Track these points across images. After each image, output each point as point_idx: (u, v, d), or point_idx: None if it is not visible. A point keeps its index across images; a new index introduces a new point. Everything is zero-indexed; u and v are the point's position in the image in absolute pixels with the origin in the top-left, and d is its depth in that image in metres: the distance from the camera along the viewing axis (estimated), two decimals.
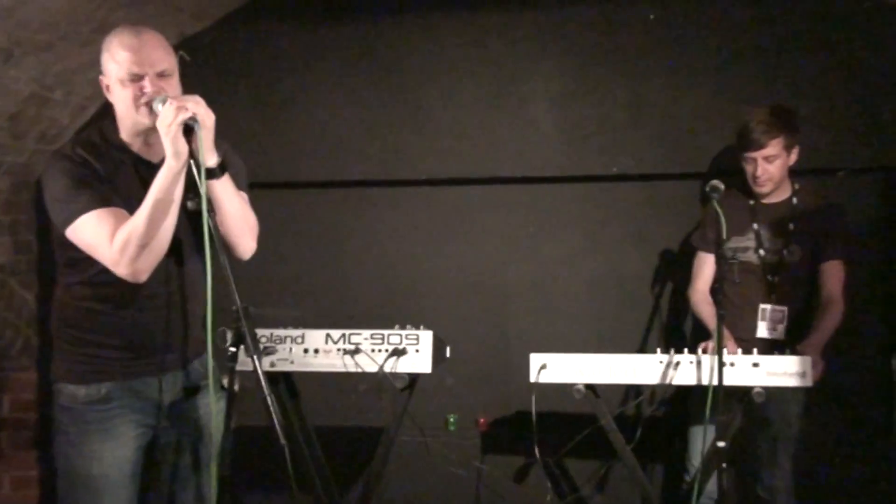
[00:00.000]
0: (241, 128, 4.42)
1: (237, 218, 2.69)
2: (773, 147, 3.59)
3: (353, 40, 4.50)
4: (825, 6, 4.11)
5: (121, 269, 2.53)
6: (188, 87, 2.71)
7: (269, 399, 2.33)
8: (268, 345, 3.42)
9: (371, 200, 4.58)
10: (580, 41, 4.33)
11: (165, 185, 2.48)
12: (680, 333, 4.28)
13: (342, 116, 4.52)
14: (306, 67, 4.54)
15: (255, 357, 2.38)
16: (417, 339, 3.40)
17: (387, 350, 3.40)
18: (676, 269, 4.24)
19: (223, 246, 2.47)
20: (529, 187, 4.45)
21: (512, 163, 4.41)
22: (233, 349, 2.47)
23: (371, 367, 3.39)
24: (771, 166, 3.62)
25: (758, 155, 3.61)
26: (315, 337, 3.46)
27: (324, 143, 4.53)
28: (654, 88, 4.27)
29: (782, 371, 3.21)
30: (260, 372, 2.37)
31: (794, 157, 3.67)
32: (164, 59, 2.63)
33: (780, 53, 4.15)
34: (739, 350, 3.28)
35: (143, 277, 2.56)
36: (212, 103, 2.58)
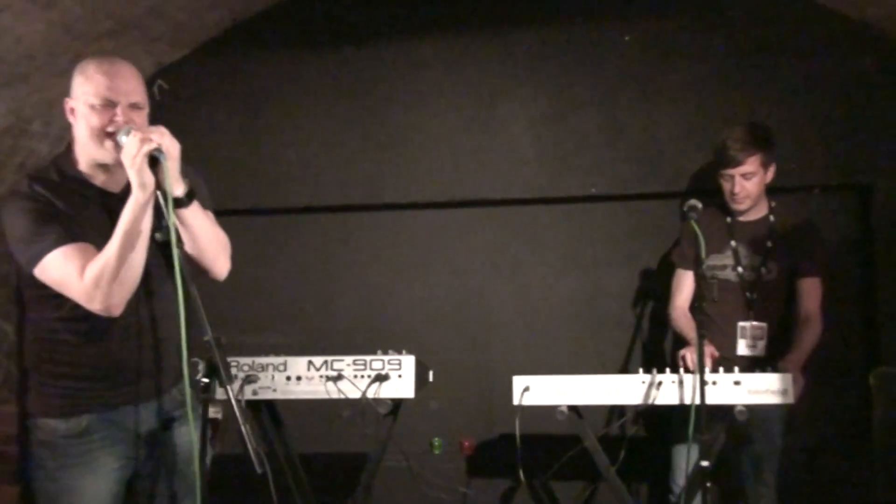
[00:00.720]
0: (220, 155, 4.43)
1: (210, 241, 2.69)
2: (751, 164, 3.62)
3: (331, 66, 4.52)
4: (799, 27, 4.16)
5: (95, 305, 2.50)
6: (166, 116, 2.71)
7: (243, 429, 2.29)
8: (250, 373, 3.41)
9: (350, 225, 4.60)
10: (557, 63, 4.36)
11: (133, 218, 2.46)
12: (662, 352, 4.30)
13: (321, 142, 4.54)
14: (284, 93, 4.55)
15: (227, 388, 2.34)
16: (400, 364, 3.40)
17: (369, 376, 3.40)
18: (657, 288, 4.26)
19: (192, 274, 2.44)
20: (509, 209, 4.47)
21: (491, 185, 4.43)
22: (205, 380, 2.43)
23: (354, 394, 3.38)
24: (748, 183, 3.65)
25: (735, 172, 3.64)
26: (297, 364, 3.44)
27: (303, 168, 4.54)
28: (631, 109, 4.31)
29: (764, 389, 3.23)
30: (233, 402, 2.33)
31: (770, 174, 3.70)
32: (138, 91, 2.63)
33: (755, 73, 4.20)
34: (721, 368, 3.29)
35: (118, 311, 2.53)
36: (190, 131, 2.59)
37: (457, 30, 4.44)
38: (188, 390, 2.44)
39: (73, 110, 2.63)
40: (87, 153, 2.63)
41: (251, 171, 4.54)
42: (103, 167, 2.65)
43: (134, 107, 2.59)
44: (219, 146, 4.49)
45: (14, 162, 4.16)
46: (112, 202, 2.60)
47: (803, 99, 4.16)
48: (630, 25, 4.30)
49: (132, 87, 2.60)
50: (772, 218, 3.76)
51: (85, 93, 2.58)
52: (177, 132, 2.55)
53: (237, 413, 2.32)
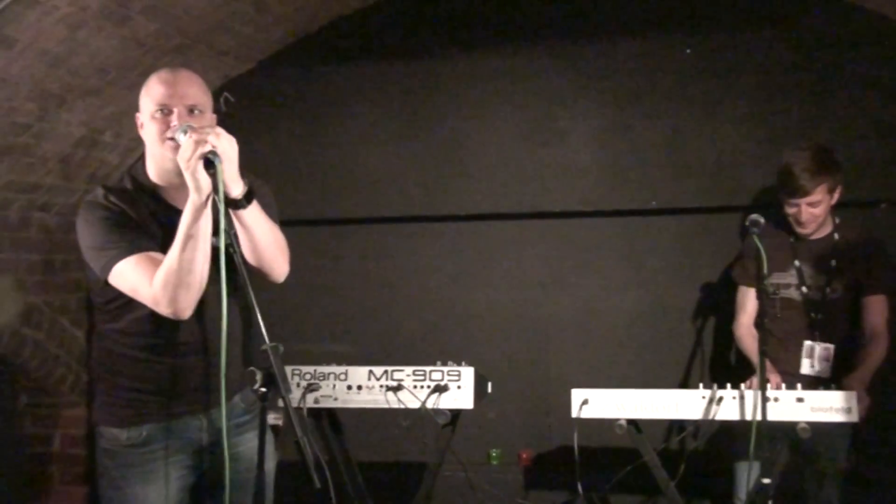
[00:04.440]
0: (284, 166, 4.52)
1: (269, 244, 2.65)
2: (819, 193, 3.53)
3: (391, 79, 4.58)
4: (863, 40, 4.10)
5: (163, 309, 2.49)
6: (232, 127, 2.72)
7: (302, 441, 2.28)
8: (312, 381, 3.46)
9: (412, 236, 4.63)
10: (618, 77, 4.36)
11: (191, 221, 2.43)
12: (722, 367, 4.25)
13: (382, 153, 4.59)
14: (346, 106, 4.62)
15: (286, 398, 2.33)
16: (459, 375, 3.42)
17: (429, 386, 3.42)
18: (717, 302, 4.22)
19: (249, 285, 2.42)
20: (569, 222, 4.47)
21: (551, 198, 4.44)
22: (263, 389, 2.39)
23: (413, 403, 3.41)
24: (816, 210, 3.57)
25: (802, 202, 3.58)
26: (358, 373, 3.49)
27: (364, 179, 4.60)
28: (692, 122, 4.29)
29: (827, 406, 3.18)
30: (292, 413, 2.33)
31: (836, 196, 3.62)
32: (197, 95, 2.61)
33: (818, 86, 4.14)
34: (783, 385, 3.25)
35: (187, 315, 2.52)
36: (254, 142, 2.62)
37: (517, 43, 4.47)
38: (223, 401, 2.39)
39: (142, 125, 2.65)
40: (155, 163, 2.65)
41: (313, 182, 4.61)
42: (174, 179, 2.62)
43: (192, 110, 2.58)
44: (282, 157, 4.57)
45: (86, 172, 4.29)
46: (177, 219, 2.54)
47: (868, 112, 4.09)
48: (691, 39, 4.28)
49: (191, 91, 2.59)
50: (836, 236, 3.69)
51: (146, 104, 2.60)
52: (242, 143, 2.55)
53: (296, 426, 2.31)
